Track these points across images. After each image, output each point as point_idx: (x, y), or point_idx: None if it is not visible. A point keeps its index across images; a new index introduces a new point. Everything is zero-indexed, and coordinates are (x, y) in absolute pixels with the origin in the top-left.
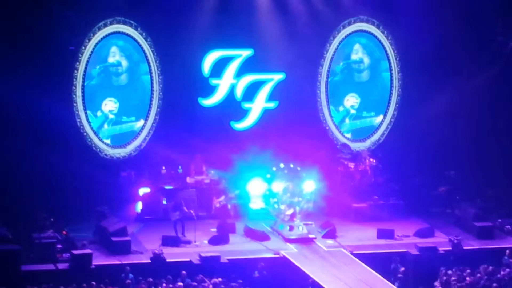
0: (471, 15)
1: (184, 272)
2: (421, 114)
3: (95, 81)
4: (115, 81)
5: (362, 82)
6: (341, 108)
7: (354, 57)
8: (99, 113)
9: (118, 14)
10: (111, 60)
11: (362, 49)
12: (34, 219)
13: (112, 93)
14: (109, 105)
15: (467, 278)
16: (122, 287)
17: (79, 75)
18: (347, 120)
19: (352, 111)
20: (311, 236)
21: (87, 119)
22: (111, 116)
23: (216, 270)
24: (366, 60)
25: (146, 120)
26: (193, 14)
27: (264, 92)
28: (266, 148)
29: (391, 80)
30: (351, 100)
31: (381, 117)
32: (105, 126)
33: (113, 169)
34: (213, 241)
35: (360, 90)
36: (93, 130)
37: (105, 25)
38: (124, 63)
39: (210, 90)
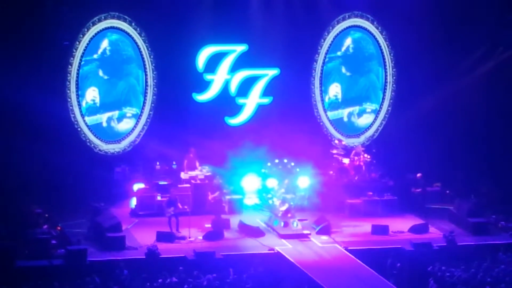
0: (465, 10)
1: (181, 268)
2: (416, 110)
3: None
4: (100, 73)
5: (347, 76)
6: (326, 98)
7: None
8: (83, 102)
9: (113, 9)
10: (105, 53)
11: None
12: (29, 215)
13: (96, 84)
14: (92, 95)
15: (462, 274)
16: (116, 282)
17: (73, 70)
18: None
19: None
20: (305, 232)
21: (81, 114)
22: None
23: (210, 266)
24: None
25: (140, 115)
26: (187, 10)
27: (258, 88)
28: (260, 144)
29: (385, 75)
30: (334, 90)
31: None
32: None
33: (108, 165)
34: (208, 237)
35: (344, 83)
36: (87, 125)
37: (99, 20)
38: (115, 58)
39: (204, 86)
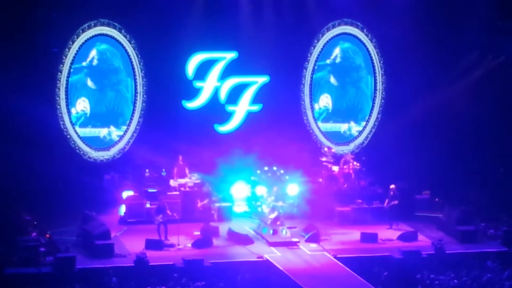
0: (456, 17)
1: (176, 275)
2: (405, 117)
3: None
4: (89, 83)
5: (335, 86)
6: (316, 107)
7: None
8: (73, 111)
9: (102, 16)
10: (92, 62)
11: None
12: (18, 222)
13: (85, 94)
14: (82, 105)
15: (450, 282)
16: None
17: (63, 77)
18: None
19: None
20: (294, 239)
21: (71, 121)
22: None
23: (199, 273)
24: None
25: (129, 123)
26: (177, 17)
27: (248, 95)
28: (250, 151)
29: (375, 83)
30: (325, 101)
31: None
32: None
33: (97, 172)
34: (197, 244)
35: (334, 93)
36: (77, 132)
37: (89, 27)
38: (103, 68)
39: (194, 93)
